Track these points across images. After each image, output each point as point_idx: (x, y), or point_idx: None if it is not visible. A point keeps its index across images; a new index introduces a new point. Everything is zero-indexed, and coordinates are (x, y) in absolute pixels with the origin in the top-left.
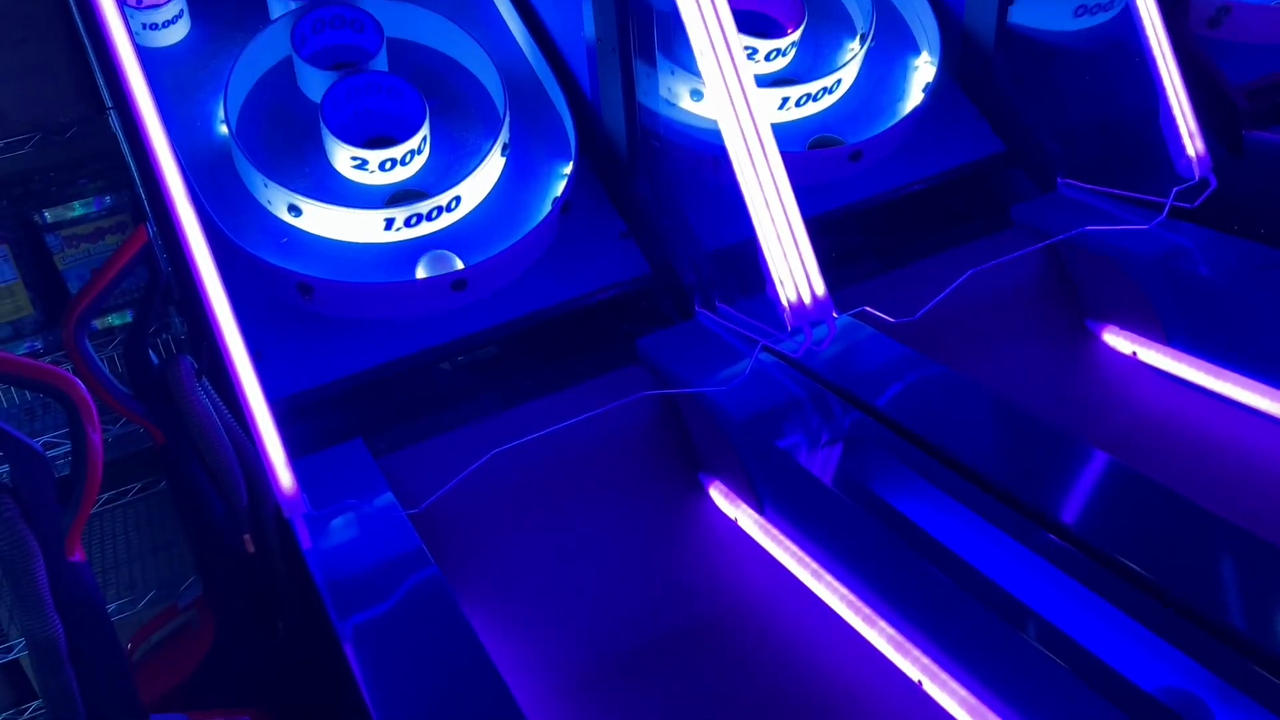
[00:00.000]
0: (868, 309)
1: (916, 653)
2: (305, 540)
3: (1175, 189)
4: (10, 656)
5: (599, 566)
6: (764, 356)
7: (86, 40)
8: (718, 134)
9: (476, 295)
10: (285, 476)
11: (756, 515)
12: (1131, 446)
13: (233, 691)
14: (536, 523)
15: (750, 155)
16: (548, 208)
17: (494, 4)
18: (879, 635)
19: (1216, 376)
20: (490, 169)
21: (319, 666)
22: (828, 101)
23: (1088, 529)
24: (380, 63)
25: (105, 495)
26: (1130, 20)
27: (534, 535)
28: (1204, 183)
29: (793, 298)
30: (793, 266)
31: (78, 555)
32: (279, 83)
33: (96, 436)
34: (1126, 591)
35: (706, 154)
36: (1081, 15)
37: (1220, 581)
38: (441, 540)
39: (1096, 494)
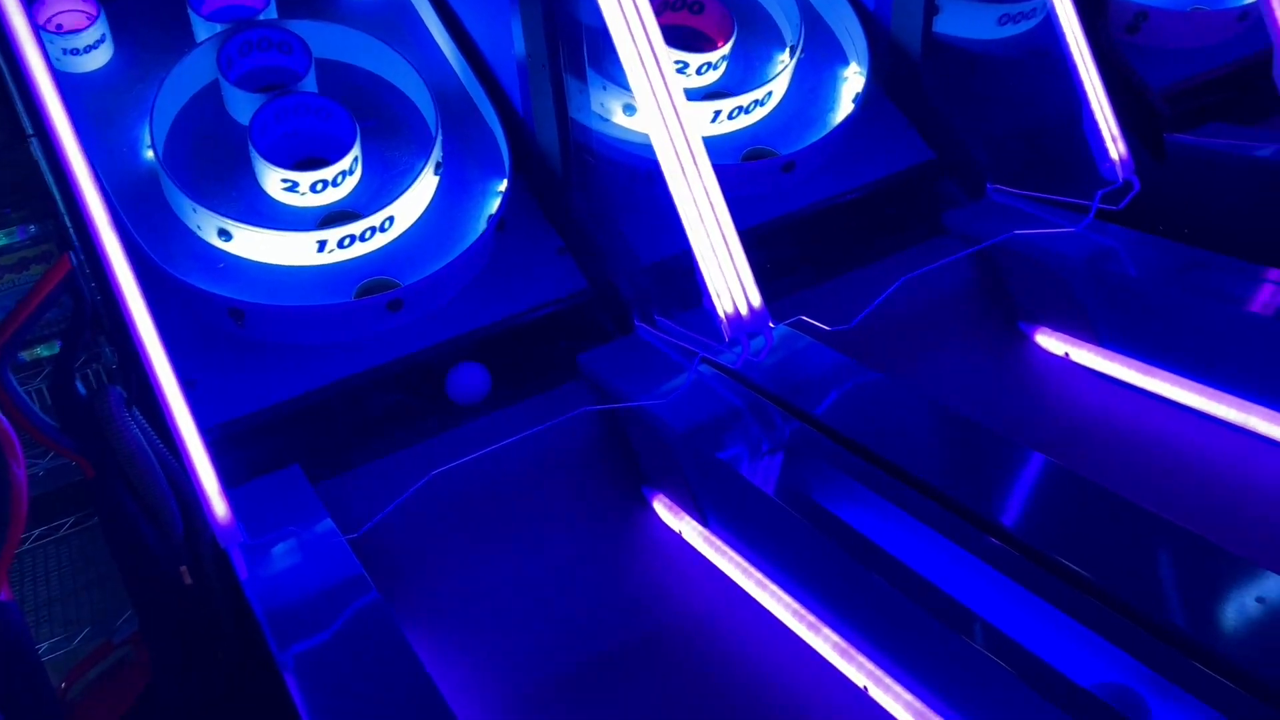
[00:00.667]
0: (804, 318)
1: (861, 659)
2: (243, 570)
3: (1100, 192)
4: None
5: (544, 584)
6: (703, 368)
7: (4, 67)
8: (651, 148)
9: (413, 315)
10: (220, 506)
11: (700, 527)
12: (1067, 446)
13: None
14: (479, 542)
15: (683, 169)
16: (483, 225)
17: (423, 22)
18: (824, 642)
19: (1146, 374)
20: (423, 188)
21: (260, 698)
22: (759, 114)
23: (1025, 530)
24: (309, 84)
25: (37, 531)
26: (1052, 28)
27: (477, 555)
28: (1128, 185)
29: (729, 309)
30: (728, 278)
31: (4, 594)
32: (206, 107)
33: (20, 471)
34: (1065, 591)
35: (640, 168)
36: (1005, 23)
37: (1156, 578)
38: (383, 564)
39: (1034, 495)
